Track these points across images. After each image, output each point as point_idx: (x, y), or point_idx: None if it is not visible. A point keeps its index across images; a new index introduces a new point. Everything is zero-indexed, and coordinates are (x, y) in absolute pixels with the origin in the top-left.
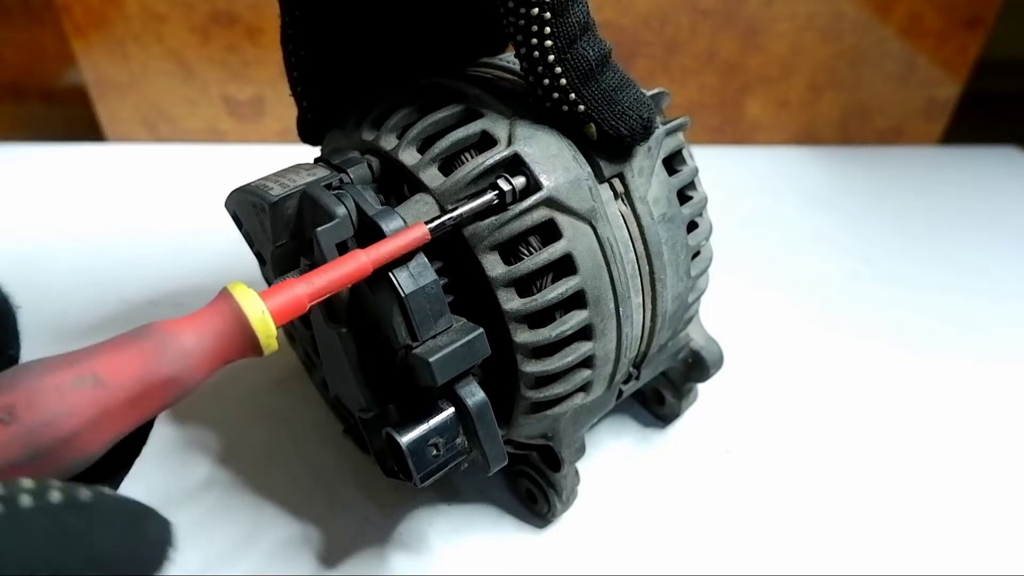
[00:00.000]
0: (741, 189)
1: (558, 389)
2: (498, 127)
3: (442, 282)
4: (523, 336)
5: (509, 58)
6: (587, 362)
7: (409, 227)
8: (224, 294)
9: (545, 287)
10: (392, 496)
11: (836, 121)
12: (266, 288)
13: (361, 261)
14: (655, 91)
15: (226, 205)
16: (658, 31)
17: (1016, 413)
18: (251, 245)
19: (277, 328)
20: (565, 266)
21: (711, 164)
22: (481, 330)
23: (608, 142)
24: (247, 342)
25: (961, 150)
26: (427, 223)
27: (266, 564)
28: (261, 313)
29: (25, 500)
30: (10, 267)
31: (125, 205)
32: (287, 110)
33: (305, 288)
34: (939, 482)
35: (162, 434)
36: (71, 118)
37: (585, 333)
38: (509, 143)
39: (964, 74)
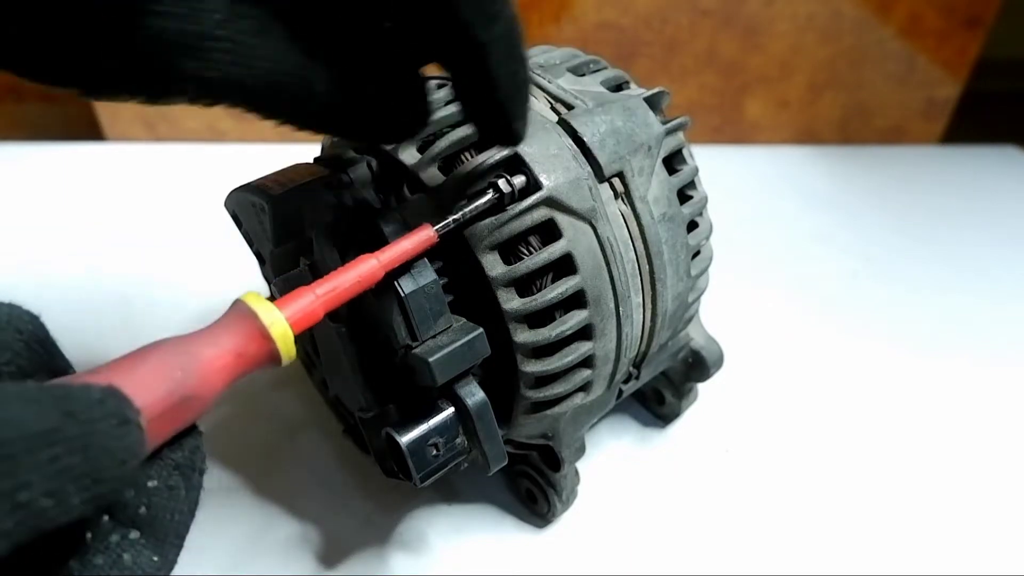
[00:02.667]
0: (741, 189)
1: (558, 389)
2: None
3: (442, 282)
4: (523, 336)
5: None
6: (587, 362)
7: (416, 230)
8: (240, 305)
9: (545, 287)
10: (392, 496)
11: (836, 121)
12: (264, 288)
13: (372, 265)
14: (655, 90)
15: (226, 205)
16: (658, 31)
17: (1016, 413)
18: (251, 245)
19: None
20: (565, 266)
21: (711, 164)
22: (481, 330)
23: None
24: (267, 354)
25: (961, 150)
26: (433, 225)
27: (266, 564)
28: (280, 324)
29: None
30: (9, 267)
31: (125, 205)
32: None
33: (319, 296)
34: (938, 481)
35: None
36: (71, 118)
37: (585, 333)
38: None
39: (964, 74)
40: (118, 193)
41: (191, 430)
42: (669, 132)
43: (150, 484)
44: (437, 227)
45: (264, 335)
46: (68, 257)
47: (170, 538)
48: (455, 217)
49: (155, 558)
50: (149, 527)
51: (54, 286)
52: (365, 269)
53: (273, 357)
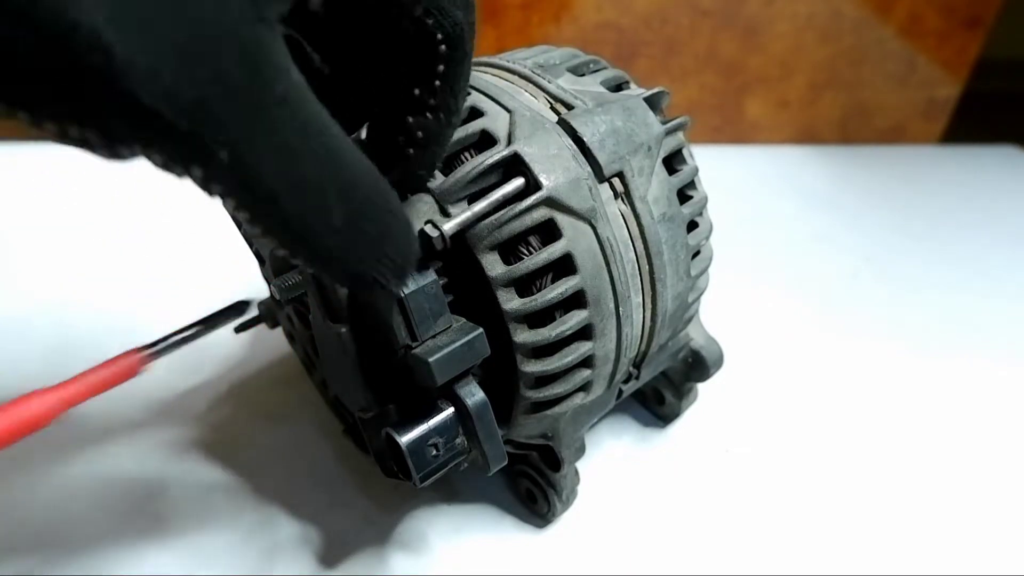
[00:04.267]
0: (741, 189)
1: (558, 389)
2: (498, 126)
3: (442, 282)
4: (523, 336)
5: (509, 57)
6: (587, 362)
7: (121, 355)
8: None
9: (545, 287)
10: (392, 496)
11: (836, 121)
12: (265, 288)
13: (46, 401)
14: (655, 90)
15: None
16: (658, 31)
17: (1016, 413)
18: (250, 245)
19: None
20: (565, 266)
21: (711, 164)
22: (481, 330)
23: None
24: None
25: (961, 150)
26: (141, 350)
27: (266, 563)
28: None
29: None
30: (8, 267)
31: (125, 205)
32: None
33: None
34: (939, 481)
35: (162, 434)
36: None
37: (585, 333)
38: (509, 142)
39: (964, 74)
40: (118, 193)
41: None
42: (669, 132)
43: None
44: (144, 353)
45: None
46: (67, 256)
47: None
48: (164, 343)
49: None
50: None
51: (53, 286)
52: (33, 408)
53: None
